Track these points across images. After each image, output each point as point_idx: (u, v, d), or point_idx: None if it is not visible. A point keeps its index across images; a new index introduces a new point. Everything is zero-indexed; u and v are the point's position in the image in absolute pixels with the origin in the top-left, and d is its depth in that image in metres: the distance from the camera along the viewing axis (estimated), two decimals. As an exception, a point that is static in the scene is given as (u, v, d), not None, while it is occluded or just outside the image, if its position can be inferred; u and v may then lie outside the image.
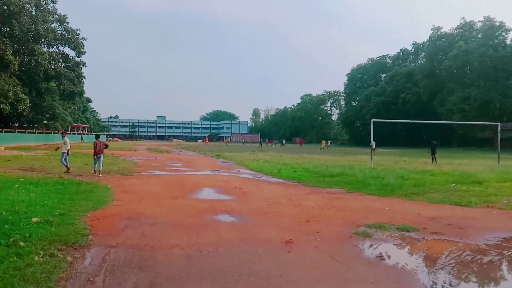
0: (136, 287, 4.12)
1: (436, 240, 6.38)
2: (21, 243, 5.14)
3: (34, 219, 6.42)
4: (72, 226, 6.33)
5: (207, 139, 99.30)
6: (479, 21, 68.77)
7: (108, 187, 11.31)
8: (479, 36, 66.32)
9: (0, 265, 4.36)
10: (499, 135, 25.27)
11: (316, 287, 4.27)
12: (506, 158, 28.33)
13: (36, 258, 4.67)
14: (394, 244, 6.13)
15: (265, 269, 4.78)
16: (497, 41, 62.64)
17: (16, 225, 6.00)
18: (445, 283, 4.50)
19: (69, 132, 67.77)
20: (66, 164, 15.36)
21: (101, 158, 15.07)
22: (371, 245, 5.97)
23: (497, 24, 63.39)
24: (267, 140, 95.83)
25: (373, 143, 41.81)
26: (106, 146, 16.04)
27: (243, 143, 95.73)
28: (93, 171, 14.98)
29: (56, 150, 19.24)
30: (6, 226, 5.92)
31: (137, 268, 4.71)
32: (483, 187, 12.45)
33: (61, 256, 4.89)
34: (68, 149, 15.56)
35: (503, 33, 63.50)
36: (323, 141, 65.28)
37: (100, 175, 14.53)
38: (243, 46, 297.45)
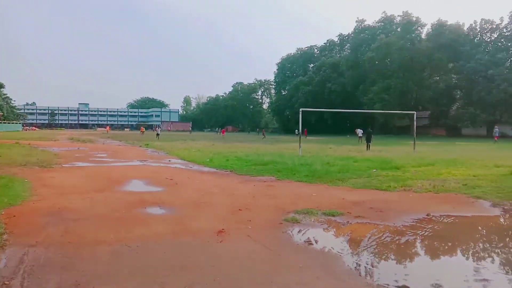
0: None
1: (359, 223, 6.79)
2: None
3: None
4: (-17, 225, 5.77)
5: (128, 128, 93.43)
6: (398, 15, 73.86)
7: (25, 181, 10.45)
8: (399, 30, 71.06)
9: None
10: (415, 123, 27.53)
11: (248, 275, 4.34)
12: (421, 144, 30.91)
13: None
14: (321, 229, 6.41)
15: (197, 261, 4.75)
16: (414, 35, 67.79)
17: None
18: (367, 264, 4.81)
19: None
20: None
21: None
22: (299, 231, 6.19)
23: (414, 19, 68.58)
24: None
25: (361, 130, 37.90)
26: None
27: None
28: None
29: None
30: None
31: (60, 267, 4.43)
32: (401, 172, 13.42)
33: (-30, 259, 4.45)
34: None
35: (419, 28, 68.91)
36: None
37: None
38: (173, 32, 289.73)
